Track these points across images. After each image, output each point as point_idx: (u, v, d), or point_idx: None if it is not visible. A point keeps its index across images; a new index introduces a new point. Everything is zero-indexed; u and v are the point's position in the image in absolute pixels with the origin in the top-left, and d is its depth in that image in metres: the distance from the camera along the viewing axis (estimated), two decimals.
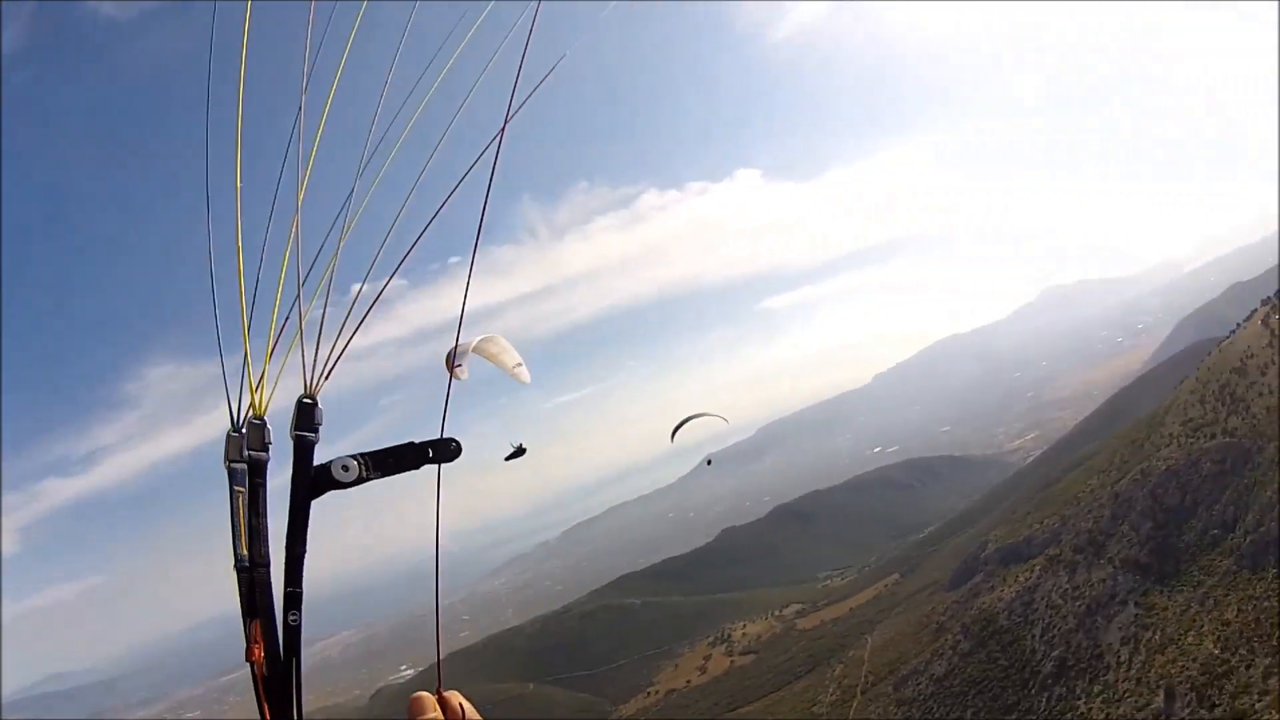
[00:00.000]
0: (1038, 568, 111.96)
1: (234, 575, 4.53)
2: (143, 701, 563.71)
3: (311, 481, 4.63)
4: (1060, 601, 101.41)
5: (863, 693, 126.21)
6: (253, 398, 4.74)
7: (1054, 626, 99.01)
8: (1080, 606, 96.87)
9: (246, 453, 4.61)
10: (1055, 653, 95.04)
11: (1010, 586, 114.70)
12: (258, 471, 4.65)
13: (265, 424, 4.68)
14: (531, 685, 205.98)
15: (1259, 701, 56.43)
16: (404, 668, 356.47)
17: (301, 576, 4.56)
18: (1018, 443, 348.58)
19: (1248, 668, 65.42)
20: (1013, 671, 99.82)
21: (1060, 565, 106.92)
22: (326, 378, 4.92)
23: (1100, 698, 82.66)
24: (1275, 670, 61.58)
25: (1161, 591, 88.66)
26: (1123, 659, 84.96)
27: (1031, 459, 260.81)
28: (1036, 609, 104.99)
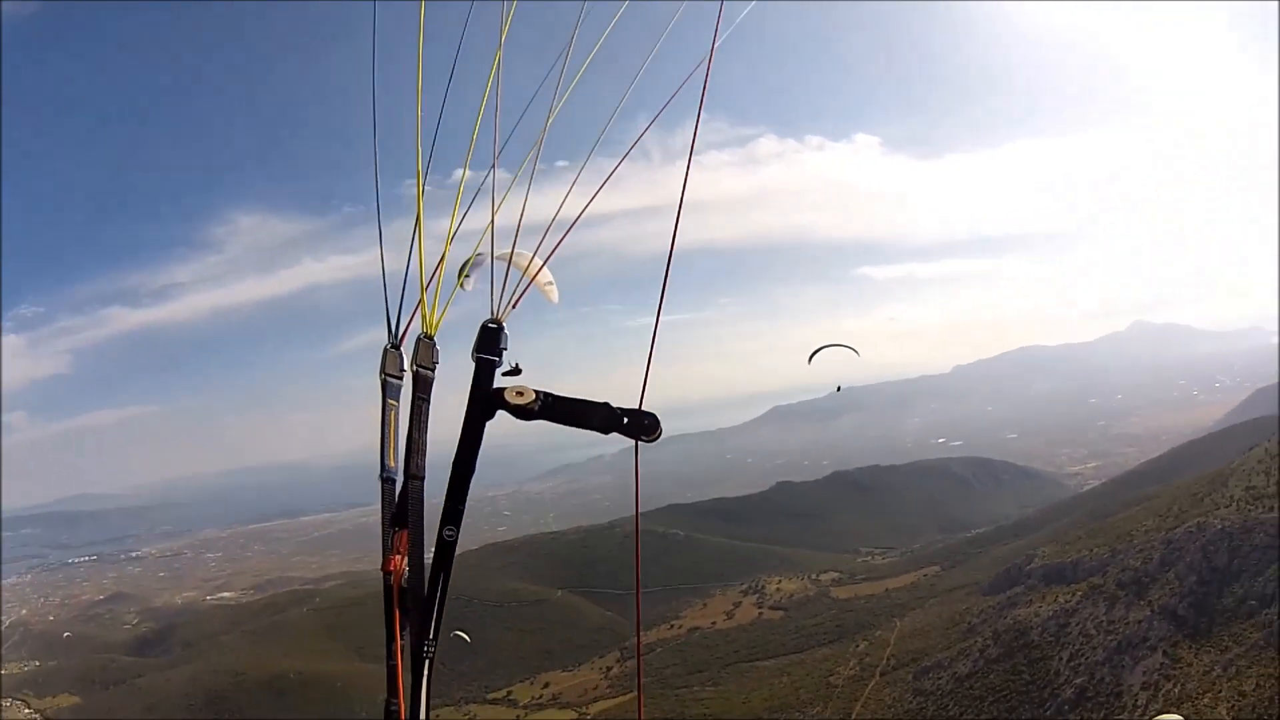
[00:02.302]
0: (1079, 594, 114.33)
1: (379, 484, 4.98)
2: (166, 534, 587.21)
3: (487, 403, 4.91)
4: (1094, 632, 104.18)
5: (882, 674, 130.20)
6: (425, 315, 5.14)
7: (1082, 654, 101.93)
8: (1112, 641, 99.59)
9: (415, 368, 5.00)
10: (1078, 679, 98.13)
11: (1049, 604, 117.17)
12: (422, 387, 4.99)
13: (434, 342, 5.06)
14: (560, 592, 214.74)
15: None
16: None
17: (466, 494, 4.95)
18: (1079, 468, 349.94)
19: None
20: (1033, 688, 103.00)
21: (1101, 596, 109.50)
22: (514, 306, 5.31)
23: None
24: None
25: (1190, 647, 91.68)
26: (1139, 703, 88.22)
27: (1087, 487, 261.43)
28: (1070, 633, 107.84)
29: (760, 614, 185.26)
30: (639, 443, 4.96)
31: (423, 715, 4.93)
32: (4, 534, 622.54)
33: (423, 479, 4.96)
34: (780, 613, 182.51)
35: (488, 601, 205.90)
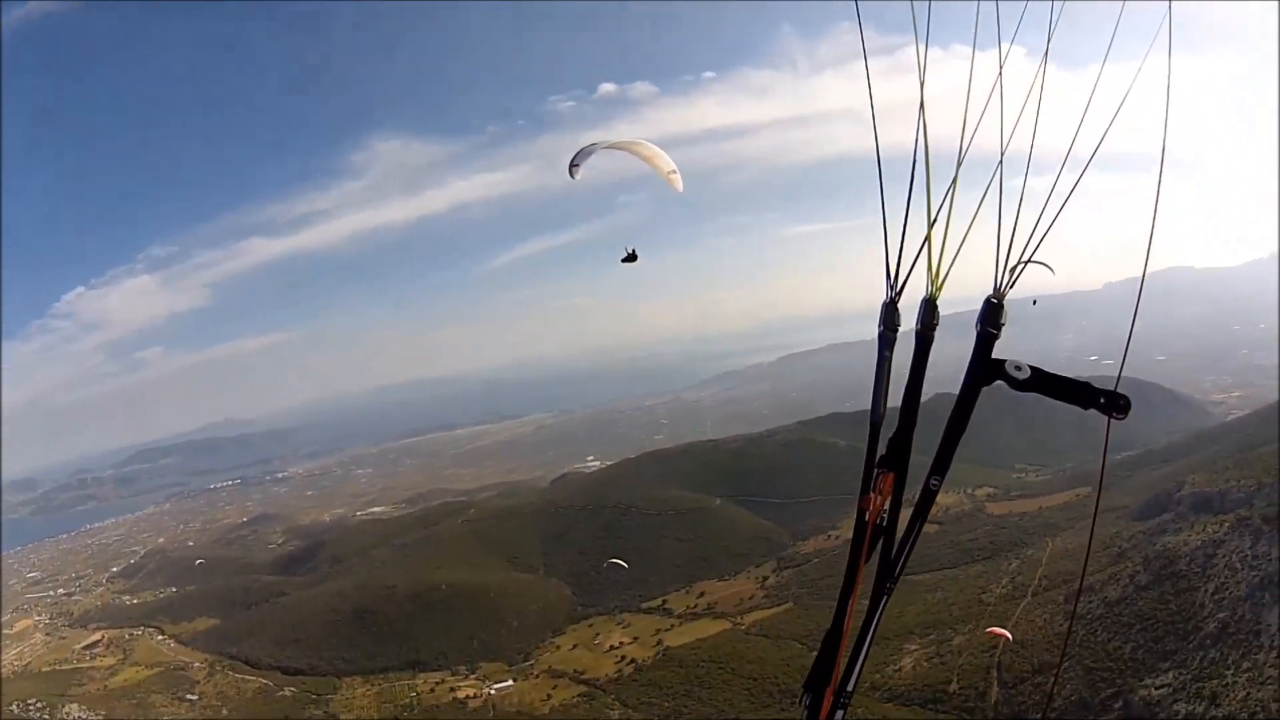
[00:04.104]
0: (1226, 524, 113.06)
1: (867, 427, 5.65)
2: (312, 454, 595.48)
3: (988, 372, 5.43)
4: (1238, 566, 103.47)
5: (1033, 595, 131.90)
6: (933, 280, 5.75)
7: (1226, 589, 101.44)
8: (1255, 577, 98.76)
9: (918, 327, 5.67)
10: (1221, 614, 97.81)
11: (1197, 534, 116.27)
12: (924, 346, 5.64)
13: (937, 306, 5.65)
14: (719, 500, 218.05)
15: None
16: (590, 458, 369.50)
17: (955, 449, 5.58)
18: (1223, 396, 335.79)
19: None
20: (1179, 619, 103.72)
21: (1248, 529, 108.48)
22: (1012, 285, 5.68)
23: (1246, 675, 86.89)
24: None
25: None
26: (1276, 643, 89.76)
27: (1232, 416, 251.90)
28: (1215, 565, 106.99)
29: None
30: (1111, 419, 5.47)
31: (867, 643, 5.72)
32: (141, 467, 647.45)
33: (914, 428, 5.67)
34: (936, 526, 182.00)
35: (645, 510, 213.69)
